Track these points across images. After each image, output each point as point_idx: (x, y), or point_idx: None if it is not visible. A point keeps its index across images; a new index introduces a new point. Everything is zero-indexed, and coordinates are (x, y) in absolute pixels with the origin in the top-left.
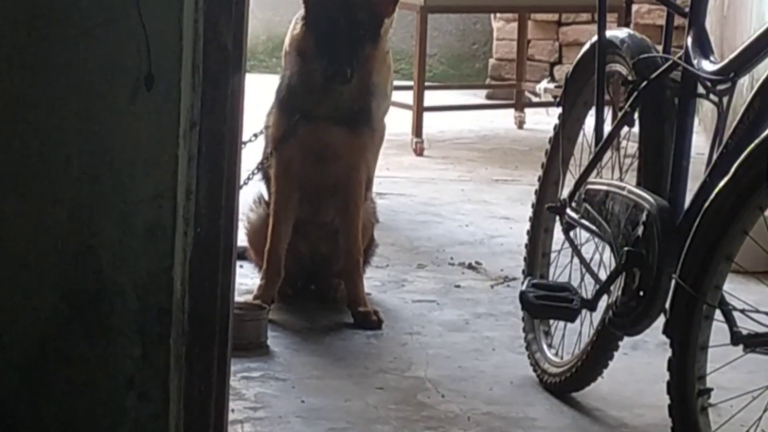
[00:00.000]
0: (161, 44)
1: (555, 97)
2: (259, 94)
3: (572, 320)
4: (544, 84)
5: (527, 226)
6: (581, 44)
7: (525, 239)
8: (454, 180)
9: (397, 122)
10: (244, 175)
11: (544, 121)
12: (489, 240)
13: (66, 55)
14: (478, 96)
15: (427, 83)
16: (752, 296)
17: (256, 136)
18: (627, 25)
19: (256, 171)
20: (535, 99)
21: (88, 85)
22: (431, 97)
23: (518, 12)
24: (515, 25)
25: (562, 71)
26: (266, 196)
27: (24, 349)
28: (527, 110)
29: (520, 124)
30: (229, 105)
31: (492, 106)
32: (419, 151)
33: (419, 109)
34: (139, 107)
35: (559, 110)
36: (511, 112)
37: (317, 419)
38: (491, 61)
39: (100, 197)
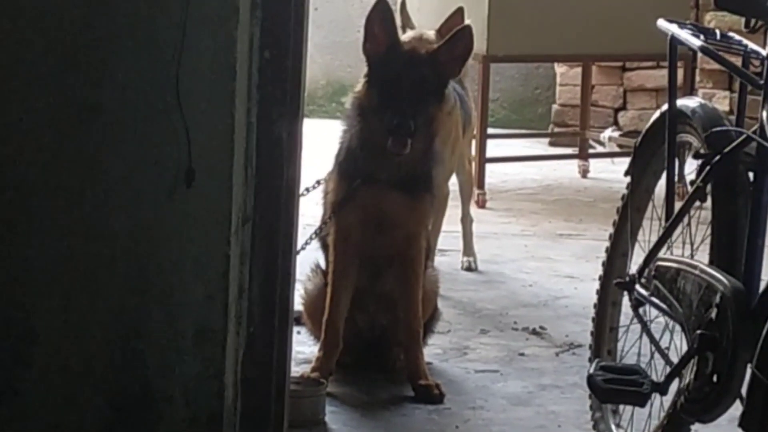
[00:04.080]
0: (209, 136)
1: (620, 146)
2: (317, 141)
3: (642, 405)
4: (609, 132)
5: (592, 285)
6: (646, 90)
7: (590, 302)
8: (517, 234)
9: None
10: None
11: (609, 169)
12: (553, 302)
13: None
14: (541, 142)
15: (489, 130)
16: None
17: (308, 190)
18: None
19: (313, 237)
20: (599, 147)
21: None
22: (493, 145)
23: (582, 61)
24: (579, 70)
25: (626, 118)
26: (323, 265)
27: None
28: (591, 159)
29: (584, 173)
30: (284, 198)
31: (556, 156)
32: (481, 204)
33: (481, 160)
34: (184, 203)
35: (628, 179)
36: (575, 160)
37: None
38: (554, 106)
39: (146, 298)
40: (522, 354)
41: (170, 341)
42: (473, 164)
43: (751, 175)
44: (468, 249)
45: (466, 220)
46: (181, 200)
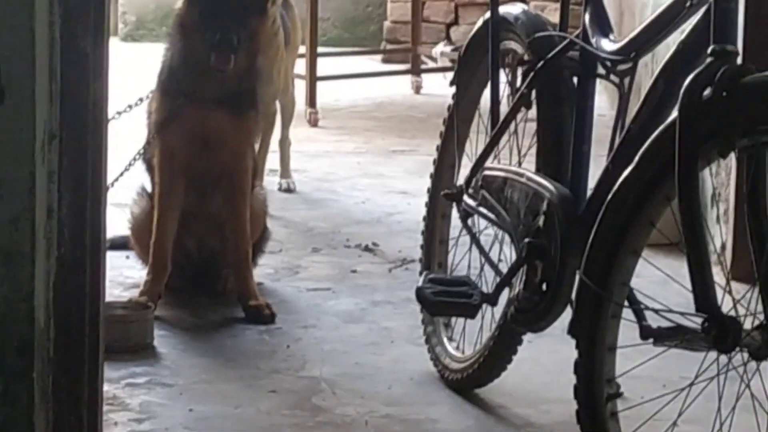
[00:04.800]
0: (12, 53)
1: (452, 61)
2: (148, 65)
3: (472, 317)
4: (441, 48)
5: (425, 201)
6: (477, 4)
7: (422, 216)
8: (351, 152)
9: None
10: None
11: (441, 85)
12: (386, 218)
13: None
14: (374, 60)
15: (320, 49)
16: (670, 270)
17: (131, 107)
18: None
19: (136, 159)
20: (431, 63)
21: None
22: (325, 64)
23: None
24: None
25: (458, 33)
26: (149, 188)
27: None
28: (424, 75)
29: (417, 89)
30: (91, 115)
31: (388, 73)
32: (314, 122)
33: (313, 78)
34: None
35: (453, 89)
36: (408, 77)
37: (206, 430)
38: (386, 23)
39: None
40: (354, 271)
41: None
42: (306, 84)
43: (575, 80)
44: (285, 171)
45: (285, 143)
46: None
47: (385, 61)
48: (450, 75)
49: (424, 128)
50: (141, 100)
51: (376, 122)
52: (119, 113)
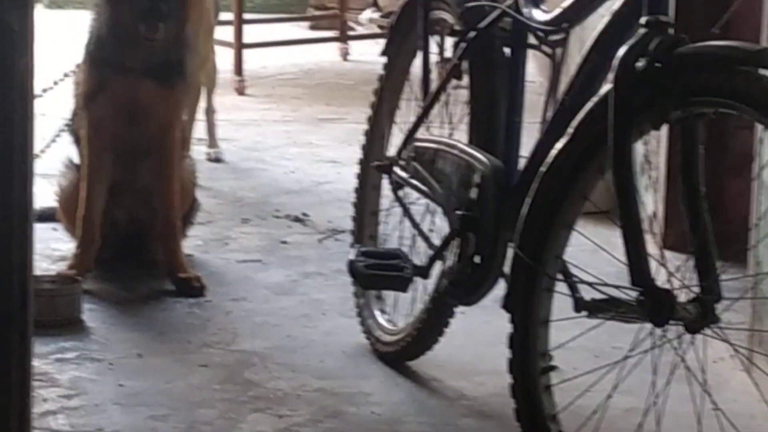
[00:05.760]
0: None
1: (380, 27)
2: (73, 33)
3: (404, 290)
4: (369, 14)
5: (355, 170)
6: None
7: (353, 186)
8: (279, 121)
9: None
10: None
11: (369, 51)
12: (316, 187)
13: None
14: (301, 27)
15: (246, 16)
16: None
17: (56, 83)
18: None
19: (63, 130)
20: (359, 29)
21: None
22: (251, 31)
23: None
24: None
25: None
26: (77, 160)
27: None
28: (352, 42)
29: (345, 56)
30: (17, 90)
31: (315, 40)
32: (241, 90)
33: (239, 46)
34: None
35: (384, 59)
36: (336, 44)
37: (136, 405)
38: None
39: None
40: (284, 242)
41: None
42: (233, 52)
43: (507, 50)
44: (212, 140)
45: (210, 112)
46: None
47: (312, 28)
48: (379, 42)
49: (353, 96)
50: (66, 75)
51: (304, 90)
52: (44, 91)
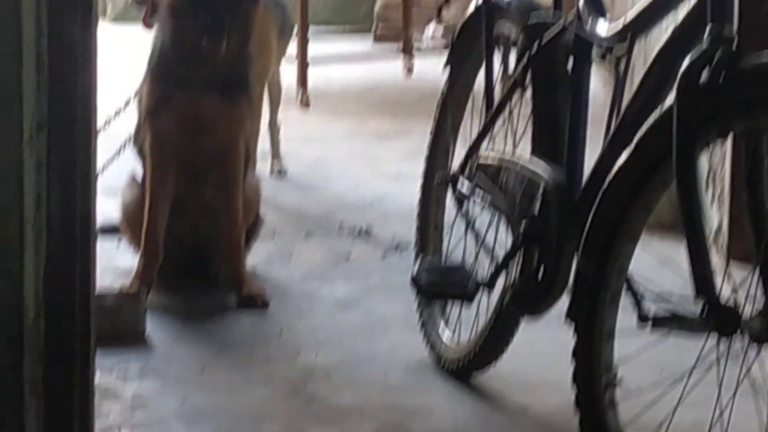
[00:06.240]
0: None
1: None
2: (138, 47)
3: (470, 300)
4: (432, 27)
5: (418, 185)
6: None
7: (416, 201)
8: (343, 135)
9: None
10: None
11: (434, 66)
12: (379, 203)
13: None
14: (365, 42)
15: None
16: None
17: (117, 113)
18: None
19: (126, 145)
20: (423, 45)
21: None
22: (316, 45)
23: None
24: None
25: (450, 14)
26: (141, 174)
27: None
28: (416, 57)
29: (409, 71)
30: (80, 105)
31: (380, 56)
32: (305, 105)
33: (304, 61)
34: None
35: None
36: (400, 59)
37: (199, 420)
38: (377, 4)
39: None
40: (348, 257)
41: None
42: (297, 66)
43: (570, 64)
44: (276, 155)
45: (274, 127)
46: None
47: (377, 41)
48: (443, 56)
49: (417, 111)
50: (128, 103)
51: (368, 105)
52: (107, 123)
